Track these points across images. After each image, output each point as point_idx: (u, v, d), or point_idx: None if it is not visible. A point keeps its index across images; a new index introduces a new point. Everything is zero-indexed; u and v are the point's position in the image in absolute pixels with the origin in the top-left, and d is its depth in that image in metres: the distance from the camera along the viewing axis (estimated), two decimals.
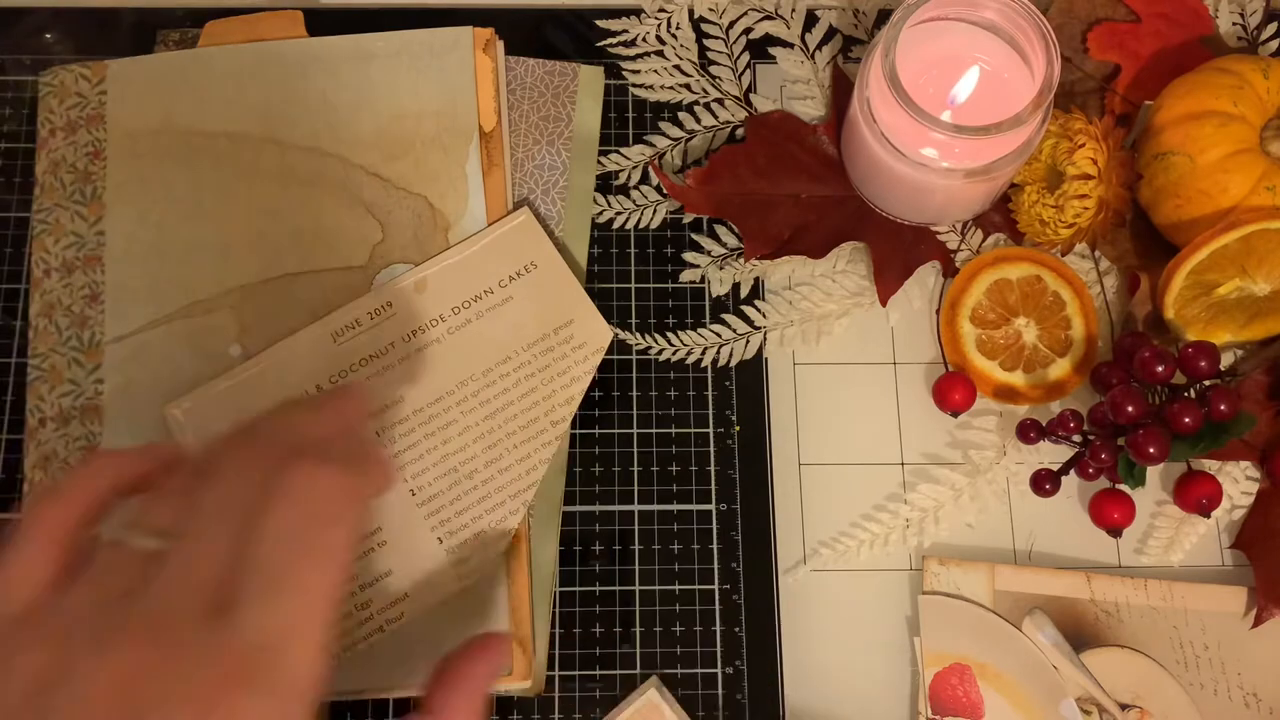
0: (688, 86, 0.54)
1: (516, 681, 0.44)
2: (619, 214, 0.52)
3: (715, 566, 0.47)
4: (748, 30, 0.55)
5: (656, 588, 0.47)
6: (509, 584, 0.44)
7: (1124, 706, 0.45)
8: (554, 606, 0.47)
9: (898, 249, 0.51)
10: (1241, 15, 0.54)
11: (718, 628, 0.47)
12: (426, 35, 0.50)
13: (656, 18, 0.55)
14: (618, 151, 0.53)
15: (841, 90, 0.53)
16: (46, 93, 0.49)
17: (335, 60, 0.49)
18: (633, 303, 0.51)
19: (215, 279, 0.47)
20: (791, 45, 0.54)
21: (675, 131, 0.53)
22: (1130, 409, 0.45)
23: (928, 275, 0.51)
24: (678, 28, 0.54)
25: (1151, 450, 0.44)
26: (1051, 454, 0.49)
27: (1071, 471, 0.47)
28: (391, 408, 0.45)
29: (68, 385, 0.46)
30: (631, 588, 0.47)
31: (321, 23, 0.52)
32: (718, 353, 0.50)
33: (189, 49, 0.51)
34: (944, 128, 0.44)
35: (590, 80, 0.52)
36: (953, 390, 0.48)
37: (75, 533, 0.32)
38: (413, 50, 0.49)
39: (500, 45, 0.51)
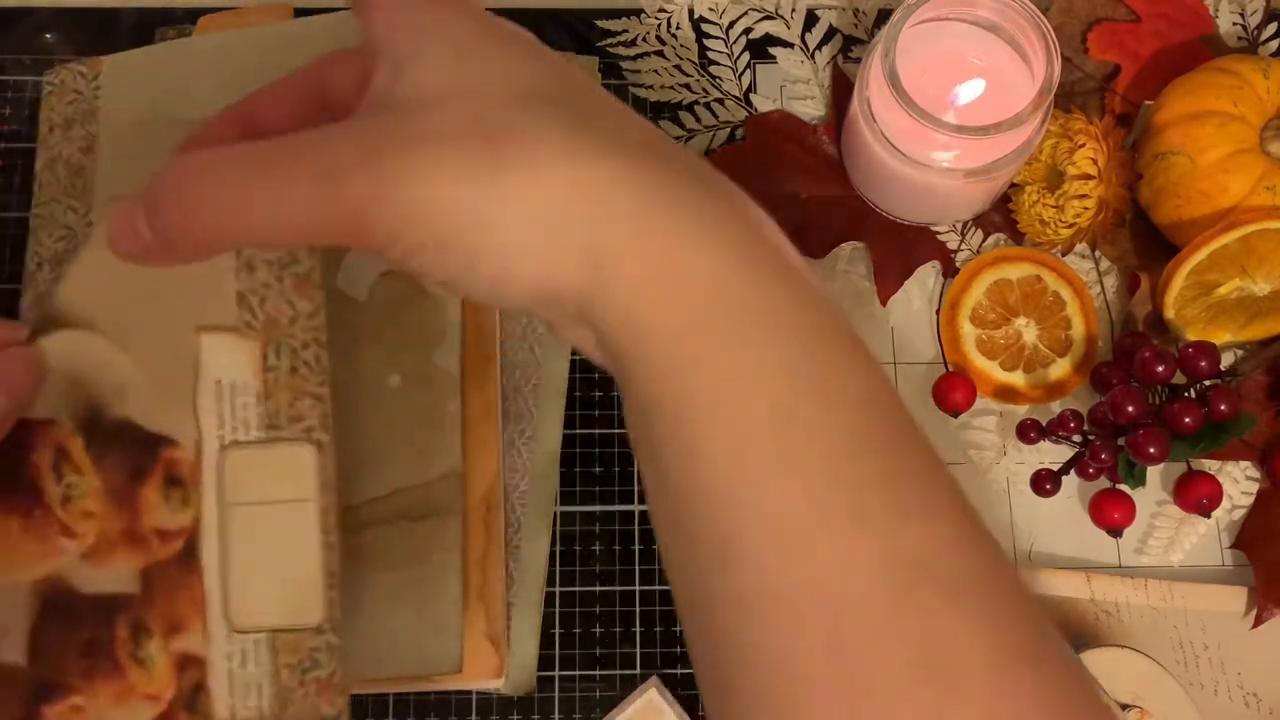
0: (688, 86, 0.54)
1: (489, 679, 0.43)
2: None
3: None
4: (748, 30, 0.55)
5: (656, 588, 0.47)
6: (482, 581, 0.44)
7: (1124, 706, 0.45)
8: (555, 606, 0.47)
9: (898, 249, 0.51)
10: (1241, 15, 0.54)
11: None
12: None
13: (656, 18, 0.55)
14: None
15: (841, 90, 0.53)
16: (49, 91, 0.49)
17: (316, 41, 0.49)
18: None
19: None
20: (791, 45, 0.54)
21: (675, 131, 0.53)
22: (1130, 409, 0.45)
23: (928, 275, 0.51)
24: (678, 28, 0.54)
25: (1151, 450, 0.44)
26: (1051, 454, 0.49)
27: (1071, 471, 0.47)
28: None
29: None
30: (631, 588, 0.47)
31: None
32: None
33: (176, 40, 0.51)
34: (944, 128, 0.44)
35: (584, 70, 0.52)
36: (953, 390, 0.48)
37: None
38: None
39: None
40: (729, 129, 0.53)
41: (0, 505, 0.36)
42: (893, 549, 0.24)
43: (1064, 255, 0.51)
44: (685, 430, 0.26)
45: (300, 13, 0.52)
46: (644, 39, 0.54)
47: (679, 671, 0.46)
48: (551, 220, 0.26)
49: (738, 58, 0.54)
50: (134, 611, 0.36)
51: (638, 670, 0.46)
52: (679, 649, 0.46)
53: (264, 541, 0.36)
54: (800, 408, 0.25)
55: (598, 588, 0.47)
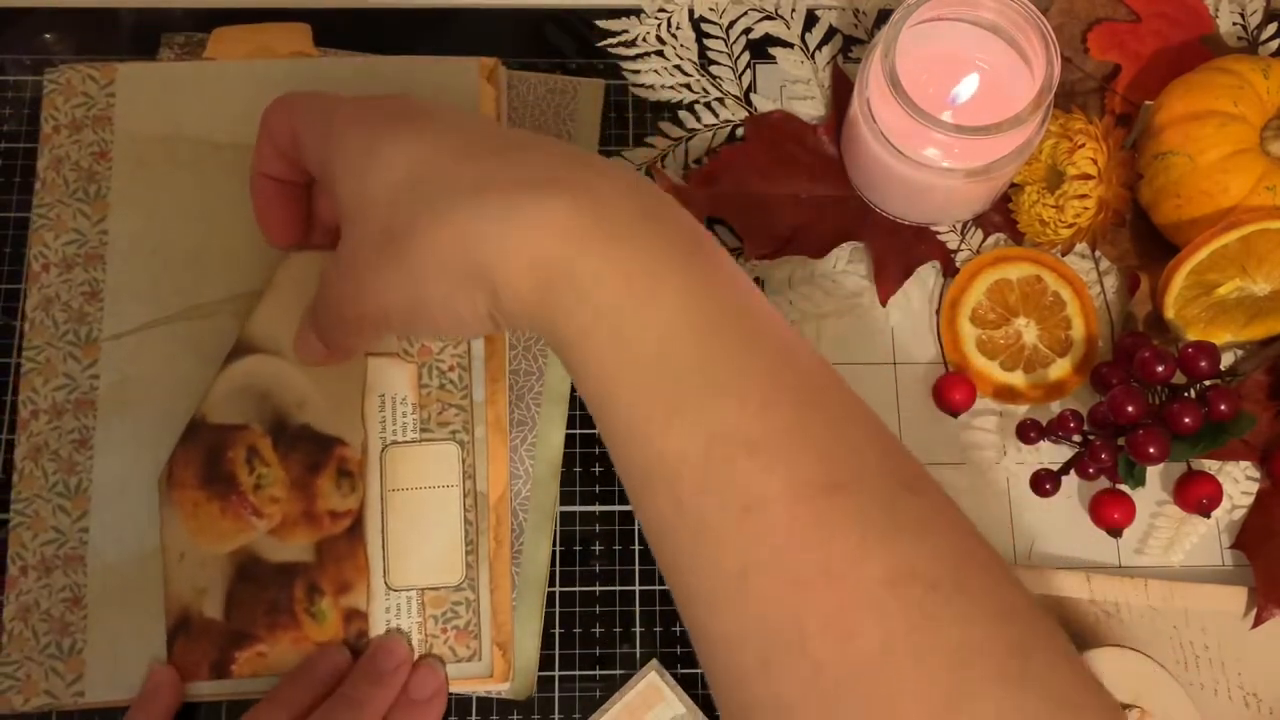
0: (688, 86, 0.54)
1: (496, 683, 0.44)
2: None
3: None
4: (748, 30, 0.55)
5: (656, 587, 0.47)
6: (491, 589, 0.44)
7: (1124, 706, 0.45)
8: (555, 606, 0.47)
9: (898, 249, 0.51)
10: (1241, 15, 0.54)
11: None
12: (435, 63, 0.50)
13: (656, 18, 0.55)
14: (619, 154, 0.53)
15: (841, 90, 0.53)
16: (51, 90, 0.49)
17: (343, 81, 0.49)
18: None
19: (218, 285, 0.47)
20: (791, 45, 0.54)
21: (675, 131, 0.53)
22: (1130, 409, 0.45)
23: (928, 275, 0.51)
24: (678, 28, 0.54)
25: (1151, 450, 0.44)
26: (1051, 454, 0.49)
27: (1071, 471, 0.47)
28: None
29: (62, 379, 0.46)
30: (631, 587, 0.47)
31: (324, 24, 0.52)
32: None
33: (198, 59, 0.51)
34: (944, 128, 0.44)
35: (589, 95, 0.53)
36: (953, 390, 0.48)
37: None
38: (419, 77, 0.49)
39: (503, 72, 0.50)
40: (729, 128, 0.53)
41: (205, 492, 0.44)
42: (706, 430, 0.29)
43: (1064, 255, 0.51)
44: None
45: (313, 15, 0.52)
46: (644, 39, 0.54)
47: (679, 671, 0.46)
48: (449, 271, 0.33)
49: (738, 58, 0.54)
50: (309, 576, 0.44)
51: (638, 670, 0.46)
52: (679, 648, 0.46)
53: (416, 518, 0.45)
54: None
55: (598, 588, 0.47)
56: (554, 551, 0.47)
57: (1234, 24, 0.54)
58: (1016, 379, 0.49)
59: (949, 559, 0.28)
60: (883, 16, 0.55)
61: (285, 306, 0.45)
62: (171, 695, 0.42)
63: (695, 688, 0.46)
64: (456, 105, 0.40)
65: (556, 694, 0.46)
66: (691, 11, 0.55)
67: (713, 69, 0.54)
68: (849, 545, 0.28)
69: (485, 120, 0.37)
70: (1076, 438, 0.47)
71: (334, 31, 0.52)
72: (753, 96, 0.54)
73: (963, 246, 0.51)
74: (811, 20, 0.55)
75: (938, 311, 0.51)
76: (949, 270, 0.51)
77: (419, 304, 0.34)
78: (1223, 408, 0.45)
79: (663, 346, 0.30)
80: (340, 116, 0.37)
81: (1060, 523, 0.48)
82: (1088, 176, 0.47)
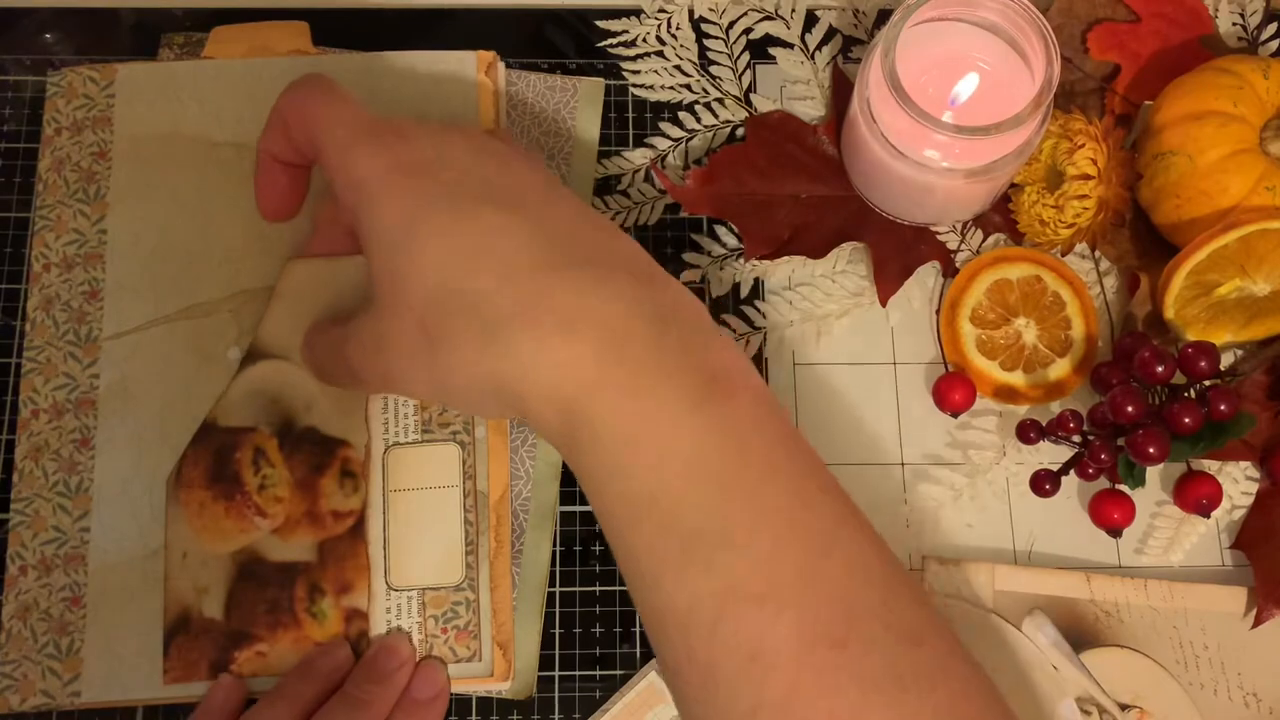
0: (688, 87, 0.54)
1: (496, 682, 0.44)
2: (617, 213, 0.52)
3: None
4: (748, 30, 0.55)
5: None
6: (491, 588, 0.44)
7: (1124, 706, 0.45)
8: (555, 606, 0.47)
9: (898, 249, 0.51)
10: (1241, 15, 0.54)
11: None
12: (432, 58, 0.50)
13: (656, 18, 0.55)
14: (619, 154, 0.53)
15: (841, 90, 0.53)
16: (54, 93, 0.49)
17: (342, 77, 0.49)
18: None
19: (217, 283, 0.47)
20: (791, 45, 0.54)
21: (675, 131, 0.53)
22: (1130, 409, 0.45)
23: (928, 275, 0.51)
24: (678, 28, 0.54)
25: (1151, 450, 0.44)
26: (1051, 454, 0.49)
27: (1071, 471, 0.47)
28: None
29: (63, 379, 0.46)
30: None
31: (323, 23, 0.52)
32: None
33: (198, 58, 0.51)
34: (944, 128, 0.44)
35: (590, 93, 0.53)
36: (953, 390, 0.48)
37: None
38: (418, 72, 0.49)
39: (501, 67, 0.50)
40: (729, 129, 0.53)
41: (210, 492, 0.45)
42: (716, 583, 0.31)
43: (1064, 255, 0.51)
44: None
45: (311, 14, 0.52)
46: (644, 39, 0.54)
47: None
48: (481, 390, 0.35)
49: (738, 58, 0.54)
50: (311, 575, 0.44)
51: (638, 670, 0.46)
52: None
53: (417, 519, 0.45)
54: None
55: (598, 588, 0.47)
56: (554, 551, 0.48)
57: (1234, 24, 0.54)
58: (1016, 379, 0.49)
59: (948, 717, 0.30)
60: (883, 16, 0.55)
61: (292, 314, 0.45)
62: (237, 697, 0.43)
63: None
64: (478, 135, 0.41)
65: (556, 694, 0.46)
66: (691, 12, 0.55)
67: (713, 69, 0.54)
68: (851, 702, 0.29)
69: (514, 202, 0.37)
70: (1076, 438, 0.47)
71: (333, 30, 0.52)
72: (753, 97, 0.54)
73: (963, 246, 0.51)
74: (811, 20, 0.55)
75: (938, 311, 0.51)
76: (949, 270, 0.51)
77: (449, 400, 0.38)
78: (1223, 408, 0.45)
79: (675, 501, 0.31)
80: (372, 169, 0.37)
81: (1060, 523, 0.48)
82: (1088, 176, 0.47)
